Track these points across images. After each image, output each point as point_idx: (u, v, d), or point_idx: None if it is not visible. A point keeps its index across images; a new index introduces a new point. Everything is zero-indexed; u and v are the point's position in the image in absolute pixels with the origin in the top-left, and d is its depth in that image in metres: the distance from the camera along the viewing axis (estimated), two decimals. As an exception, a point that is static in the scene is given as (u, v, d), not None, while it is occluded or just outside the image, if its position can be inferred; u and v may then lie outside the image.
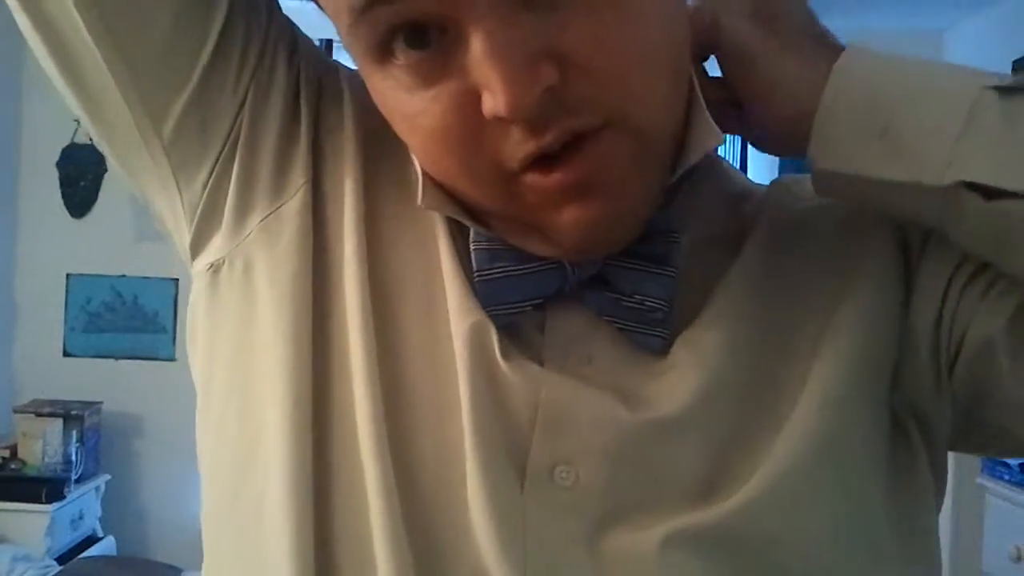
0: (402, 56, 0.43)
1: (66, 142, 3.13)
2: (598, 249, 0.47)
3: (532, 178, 0.44)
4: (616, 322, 0.49)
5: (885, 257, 0.50)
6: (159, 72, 0.50)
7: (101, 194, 3.20)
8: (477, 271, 0.49)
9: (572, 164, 0.43)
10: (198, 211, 0.53)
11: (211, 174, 0.52)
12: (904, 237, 0.51)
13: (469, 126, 0.43)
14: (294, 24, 0.56)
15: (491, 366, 0.47)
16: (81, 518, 2.94)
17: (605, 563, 0.45)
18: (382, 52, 0.43)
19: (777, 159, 3.03)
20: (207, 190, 0.52)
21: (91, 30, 0.49)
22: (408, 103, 0.44)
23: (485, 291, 0.48)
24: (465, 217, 0.49)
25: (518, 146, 0.43)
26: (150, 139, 0.52)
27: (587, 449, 0.46)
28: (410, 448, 0.47)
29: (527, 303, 0.49)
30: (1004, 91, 0.44)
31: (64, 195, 3.21)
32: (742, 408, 0.47)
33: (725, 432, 0.47)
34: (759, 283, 0.50)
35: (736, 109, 0.51)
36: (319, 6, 0.48)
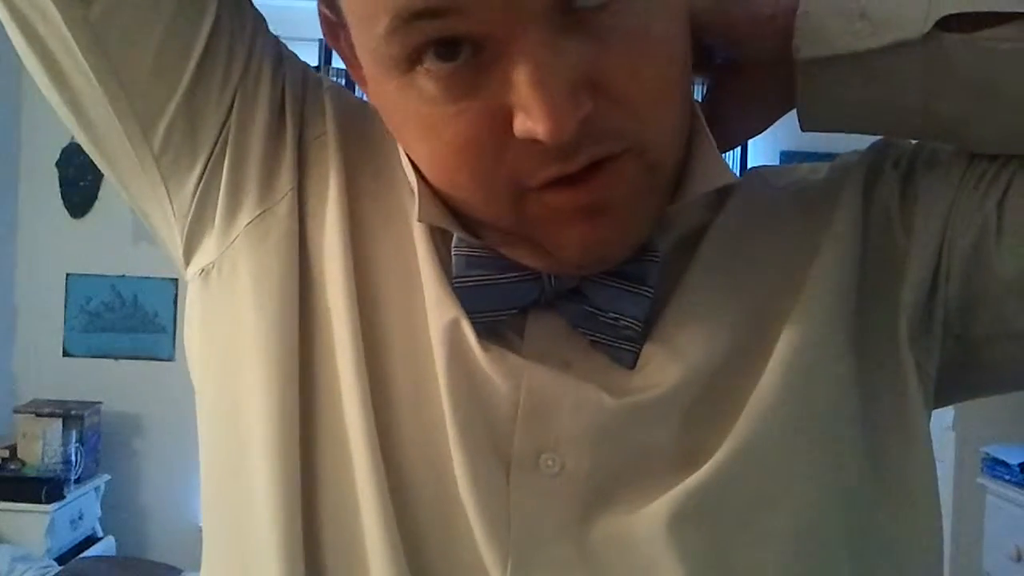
0: (431, 67, 0.42)
1: (66, 142, 3.13)
2: (594, 267, 0.48)
3: (549, 195, 0.44)
4: (588, 334, 0.49)
5: (849, 226, 0.51)
6: (147, 83, 0.51)
7: (101, 194, 3.20)
8: (456, 277, 0.50)
9: (589, 185, 0.44)
10: (188, 217, 0.54)
11: (200, 180, 0.53)
12: (874, 202, 0.52)
13: (494, 142, 0.43)
14: (279, 40, 0.57)
15: (469, 360, 0.48)
16: (81, 518, 2.94)
17: (595, 547, 0.46)
18: (409, 63, 0.43)
19: (778, 163, 3.03)
20: (196, 196, 0.53)
21: (81, 47, 0.50)
22: (429, 114, 0.44)
23: (460, 296, 0.49)
24: (458, 229, 0.49)
25: (542, 168, 0.43)
26: (140, 148, 0.52)
27: (571, 435, 0.47)
28: (397, 446, 0.48)
29: (503, 312, 0.50)
30: None
31: (64, 195, 3.21)
32: (717, 385, 0.48)
33: (701, 410, 0.48)
34: (728, 265, 0.52)
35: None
36: (333, 9, 0.48)
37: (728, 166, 0.49)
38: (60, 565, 2.66)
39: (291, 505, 0.47)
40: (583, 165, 0.43)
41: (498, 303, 0.49)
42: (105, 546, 2.99)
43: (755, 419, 0.47)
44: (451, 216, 0.49)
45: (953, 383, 0.53)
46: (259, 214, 0.52)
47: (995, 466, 2.35)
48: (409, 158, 0.50)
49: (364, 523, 0.46)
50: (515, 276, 0.49)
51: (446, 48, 0.42)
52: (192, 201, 0.53)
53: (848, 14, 0.47)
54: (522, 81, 0.41)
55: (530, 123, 0.41)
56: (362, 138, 0.56)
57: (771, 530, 0.46)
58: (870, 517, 0.48)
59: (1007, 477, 2.31)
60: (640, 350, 0.49)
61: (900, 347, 0.50)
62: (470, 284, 0.49)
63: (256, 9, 0.56)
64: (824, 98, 0.50)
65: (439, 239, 0.52)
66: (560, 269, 0.48)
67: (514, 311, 0.50)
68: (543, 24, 0.41)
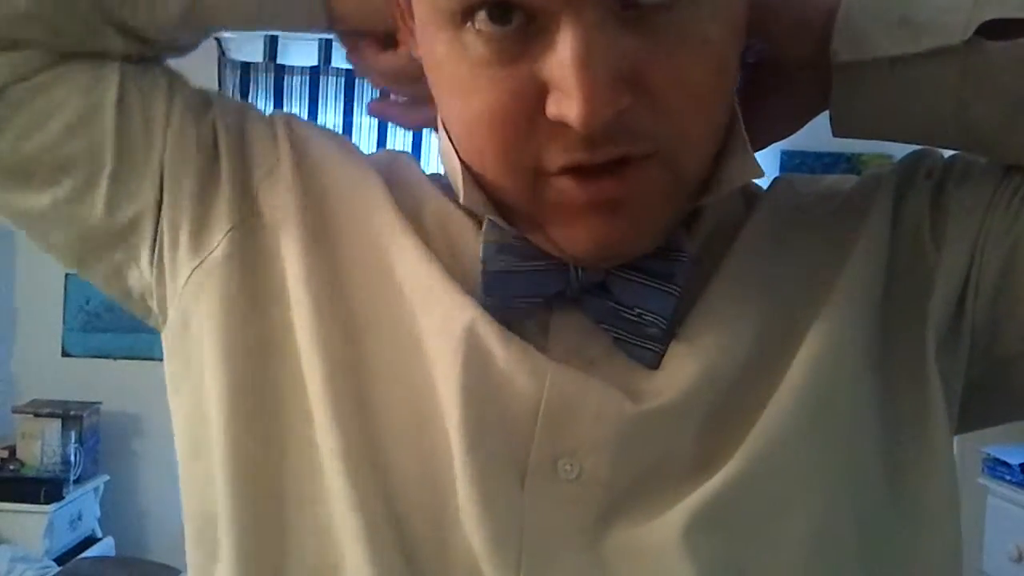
0: (482, 27, 0.42)
1: (65, 142, 3.13)
2: (600, 263, 0.48)
3: (565, 183, 0.44)
4: (611, 331, 0.49)
5: (878, 236, 0.51)
6: (78, 194, 0.53)
7: (100, 194, 3.19)
8: (483, 260, 0.49)
9: (609, 182, 0.43)
10: (154, 285, 0.55)
11: (154, 249, 0.54)
12: (904, 215, 0.52)
13: (524, 116, 0.43)
14: (204, 90, 0.58)
15: (487, 360, 0.48)
16: (80, 518, 2.94)
17: (608, 556, 0.45)
18: (463, 17, 0.43)
19: (777, 162, 3.03)
20: (155, 259, 0.54)
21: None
22: (470, 75, 0.44)
23: (487, 281, 0.49)
24: (495, 214, 0.49)
25: (567, 152, 0.43)
26: (97, 244, 0.55)
27: (591, 442, 0.46)
28: (388, 470, 0.47)
29: (526, 299, 0.49)
30: None
31: (63, 195, 3.20)
32: (737, 389, 0.48)
33: (720, 414, 0.48)
34: (755, 269, 0.51)
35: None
36: None
37: (757, 162, 0.48)
38: (59, 565, 2.65)
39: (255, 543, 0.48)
40: (607, 158, 0.43)
41: (522, 290, 0.49)
42: (104, 547, 2.98)
43: (772, 426, 0.46)
44: (490, 203, 0.49)
45: (981, 406, 0.52)
46: (197, 265, 0.53)
47: (996, 466, 2.35)
48: (451, 143, 0.50)
49: (345, 547, 0.46)
50: (541, 264, 0.49)
51: (500, 11, 0.41)
52: (152, 265, 0.54)
53: (888, 18, 0.47)
54: (566, 60, 0.40)
55: (564, 105, 0.40)
56: (330, 162, 0.56)
57: (785, 538, 0.46)
58: (885, 531, 0.47)
59: (1008, 477, 2.31)
60: (663, 350, 0.48)
61: (926, 362, 0.49)
62: (496, 269, 0.49)
63: (165, 68, 0.57)
64: (858, 103, 0.49)
65: (442, 240, 0.52)
66: (569, 259, 0.48)
67: (538, 300, 0.49)
68: (600, 8, 0.40)
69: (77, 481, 2.91)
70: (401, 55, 0.55)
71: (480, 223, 0.51)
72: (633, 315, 0.48)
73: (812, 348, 0.48)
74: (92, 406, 3.03)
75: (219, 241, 0.53)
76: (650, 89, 0.42)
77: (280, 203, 0.53)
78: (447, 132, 0.49)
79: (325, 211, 0.53)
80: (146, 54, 0.55)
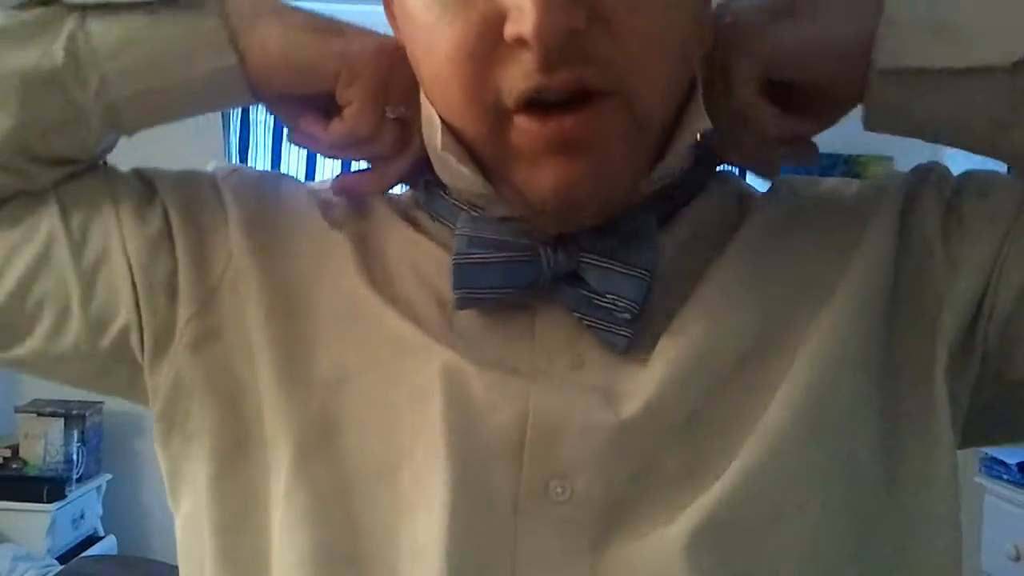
0: None
1: (68, 142, 3.13)
2: (565, 212, 0.48)
3: (525, 121, 0.45)
4: (585, 319, 0.49)
5: (883, 245, 0.51)
6: (69, 329, 0.53)
7: (102, 194, 3.18)
8: (455, 254, 0.50)
9: (569, 119, 0.44)
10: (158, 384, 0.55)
11: (142, 348, 0.54)
12: (911, 226, 0.52)
13: (484, 49, 0.44)
14: (141, 171, 0.57)
15: (467, 396, 0.48)
16: (82, 517, 2.94)
17: (607, 573, 0.45)
18: None
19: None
20: (147, 363, 0.54)
21: None
22: (437, 17, 0.45)
23: (460, 274, 0.49)
24: (475, 171, 0.49)
25: (525, 77, 0.44)
26: (102, 364, 0.55)
27: (579, 459, 0.46)
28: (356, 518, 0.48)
29: (497, 290, 0.50)
30: None
31: (65, 195, 3.19)
32: (728, 388, 0.48)
33: (712, 414, 0.48)
34: (751, 268, 0.51)
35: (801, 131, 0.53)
36: None
37: (705, 115, 0.49)
38: (61, 564, 2.65)
39: None
40: (567, 86, 0.43)
41: (493, 281, 0.49)
42: (106, 545, 2.99)
43: (770, 435, 0.46)
44: (467, 154, 0.49)
45: (991, 424, 0.52)
46: (169, 368, 0.53)
47: (993, 465, 2.35)
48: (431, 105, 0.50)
49: None
50: (512, 256, 0.49)
51: None
52: (151, 377, 0.54)
53: (929, 27, 0.46)
54: None
55: (520, 21, 0.41)
56: (288, 223, 0.55)
57: (784, 546, 0.46)
58: (885, 535, 0.47)
59: (1005, 477, 2.31)
60: (634, 335, 0.49)
61: (935, 375, 0.49)
62: (468, 262, 0.49)
63: (98, 171, 0.55)
64: (893, 107, 0.49)
65: (413, 276, 0.53)
66: (530, 210, 0.48)
67: (509, 291, 0.50)
68: None
69: (79, 480, 2.91)
70: (348, 117, 0.52)
71: (444, 245, 0.52)
72: (606, 302, 0.49)
73: (811, 352, 0.48)
74: (94, 405, 3.02)
75: (181, 337, 0.52)
76: (607, 19, 0.43)
77: (240, 283, 0.53)
78: (427, 95, 0.50)
79: (288, 285, 0.53)
80: (77, 171, 0.54)
